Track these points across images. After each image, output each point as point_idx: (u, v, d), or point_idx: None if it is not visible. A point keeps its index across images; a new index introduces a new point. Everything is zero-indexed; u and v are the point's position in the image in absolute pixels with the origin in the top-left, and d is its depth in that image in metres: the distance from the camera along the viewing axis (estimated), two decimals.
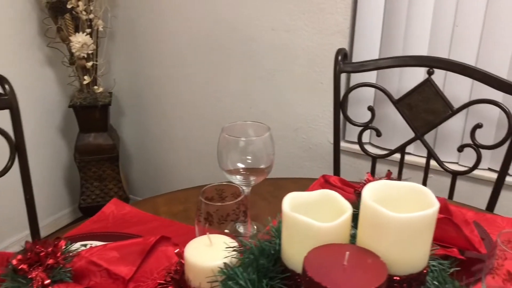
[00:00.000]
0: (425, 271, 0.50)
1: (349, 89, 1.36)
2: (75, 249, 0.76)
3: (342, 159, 1.82)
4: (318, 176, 1.78)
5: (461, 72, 1.23)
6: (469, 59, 1.44)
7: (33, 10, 2.05)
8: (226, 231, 0.87)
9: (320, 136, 1.87)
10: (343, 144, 1.79)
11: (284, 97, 1.89)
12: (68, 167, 2.39)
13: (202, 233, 0.85)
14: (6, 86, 1.13)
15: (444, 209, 0.90)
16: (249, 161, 0.90)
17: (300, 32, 1.76)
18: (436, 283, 0.52)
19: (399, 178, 1.38)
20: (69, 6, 1.91)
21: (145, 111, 2.31)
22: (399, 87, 1.55)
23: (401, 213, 0.48)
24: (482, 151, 1.23)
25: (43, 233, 1.88)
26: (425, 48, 1.52)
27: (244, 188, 0.92)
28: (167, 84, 2.18)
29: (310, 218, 0.54)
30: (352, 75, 1.67)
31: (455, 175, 1.29)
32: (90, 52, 2.04)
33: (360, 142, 1.39)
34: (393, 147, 1.38)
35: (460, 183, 1.61)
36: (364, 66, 1.33)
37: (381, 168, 1.72)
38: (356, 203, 0.54)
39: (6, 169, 1.11)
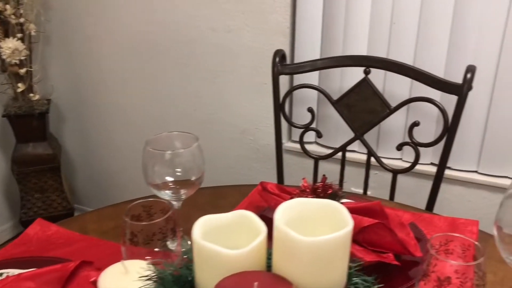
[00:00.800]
0: None
1: (288, 91, 1.33)
2: None
3: (290, 159, 1.81)
4: (267, 178, 1.76)
5: (397, 70, 1.23)
6: (407, 57, 1.45)
7: None
8: (156, 249, 0.83)
9: (267, 137, 1.84)
10: (290, 144, 1.77)
11: (228, 99, 1.85)
12: (6, 180, 2.27)
13: (129, 253, 0.81)
14: None
15: (379, 213, 0.89)
16: (179, 173, 0.86)
17: (241, 32, 1.72)
18: None
19: (340, 179, 1.38)
20: None
21: (86, 118, 2.22)
22: (341, 87, 1.54)
23: (316, 233, 0.45)
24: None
25: None
26: (365, 47, 1.51)
27: (174, 203, 0.88)
28: (107, 89, 2.10)
29: (225, 242, 0.50)
30: (295, 76, 1.65)
31: (395, 173, 1.29)
32: (22, 58, 1.93)
33: (301, 144, 1.37)
34: (337, 146, 1.37)
35: (404, 179, 1.63)
36: (302, 68, 1.31)
37: (327, 167, 1.72)
38: None
39: None
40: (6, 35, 1.88)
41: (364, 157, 1.61)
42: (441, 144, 1.22)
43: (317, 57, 1.58)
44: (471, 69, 1.14)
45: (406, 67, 1.21)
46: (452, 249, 0.74)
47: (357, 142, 1.43)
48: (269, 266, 0.50)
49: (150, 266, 0.57)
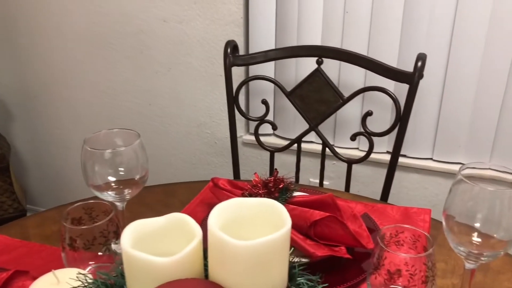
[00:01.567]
0: None
1: (241, 84, 1.30)
2: None
3: (248, 152, 1.78)
4: (226, 172, 1.73)
5: (348, 60, 1.21)
6: (360, 47, 1.44)
7: None
8: (99, 253, 0.78)
9: (225, 130, 1.81)
10: (248, 137, 1.75)
11: (183, 92, 1.81)
12: None
13: (70, 259, 0.76)
14: None
15: (331, 206, 0.87)
16: (121, 173, 0.82)
17: (193, 23, 1.68)
18: None
19: (296, 171, 1.36)
20: None
21: (35, 115, 2.12)
22: (296, 78, 1.52)
23: (254, 234, 0.43)
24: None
25: None
26: (319, 37, 1.50)
27: (118, 203, 0.84)
28: (56, 84, 2.01)
29: (160, 249, 0.47)
30: (251, 67, 1.62)
31: (350, 163, 1.28)
32: None
33: (257, 136, 1.35)
34: (295, 138, 1.35)
35: (361, 168, 1.63)
36: (254, 59, 1.28)
37: (285, 158, 1.70)
38: None
39: None
40: None
41: (321, 148, 1.61)
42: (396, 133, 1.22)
43: (272, 47, 1.56)
44: (421, 57, 1.14)
45: (358, 57, 1.20)
46: (402, 240, 0.73)
47: (314, 132, 1.41)
48: (208, 272, 0.48)
49: (83, 276, 0.53)
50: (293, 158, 1.50)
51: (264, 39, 1.57)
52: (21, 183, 2.29)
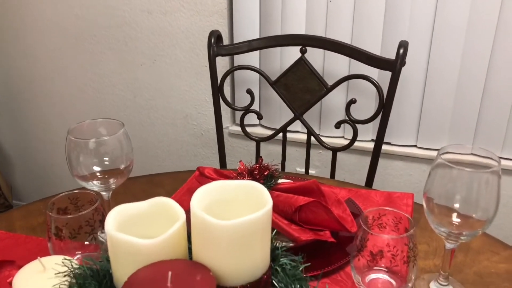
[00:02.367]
0: (265, 276, 0.46)
1: (225, 74, 1.30)
2: None
3: (234, 143, 1.79)
4: (213, 163, 1.73)
5: (331, 48, 1.22)
6: (344, 35, 1.45)
7: None
8: (86, 243, 0.79)
9: (211, 122, 1.81)
10: (234, 128, 1.75)
11: (169, 84, 1.80)
12: None
13: (57, 249, 0.77)
14: None
15: (316, 191, 0.89)
16: (106, 162, 0.82)
17: (177, 14, 1.67)
18: (282, 285, 0.48)
19: (282, 160, 1.38)
20: None
21: (21, 110, 2.10)
22: (281, 68, 1.53)
23: (237, 215, 0.43)
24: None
25: None
26: (303, 25, 1.50)
27: (103, 193, 0.84)
28: (41, 78, 1.99)
29: (144, 232, 0.48)
30: (236, 57, 1.62)
31: (335, 151, 1.29)
32: None
33: (242, 126, 1.35)
34: (280, 127, 1.36)
35: (346, 157, 1.65)
36: (238, 48, 1.28)
37: (271, 148, 1.72)
38: None
39: None
40: None
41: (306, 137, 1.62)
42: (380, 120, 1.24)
43: (257, 37, 1.56)
44: (403, 45, 1.15)
45: (341, 45, 1.21)
46: (385, 223, 0.74)
47: (300, 122, 1.42)
48: (192, 255, 0.48)
49: (68, 262, 0.53)
50: (279, 148, 1.51)
51: (248, 30, 1.57)
52: (7, 178, 2.27)
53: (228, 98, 1.43)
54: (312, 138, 1.33)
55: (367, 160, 1.64)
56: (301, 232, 0.82)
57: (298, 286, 0.48)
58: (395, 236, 0.68)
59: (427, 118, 1.51)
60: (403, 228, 0.72)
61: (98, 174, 0.82)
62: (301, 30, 1.51)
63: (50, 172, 2.21)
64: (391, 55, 1.20)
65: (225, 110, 1.68)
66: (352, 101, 1.23)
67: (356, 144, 1.59)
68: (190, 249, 0.49)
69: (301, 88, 1.25)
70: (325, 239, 0.81)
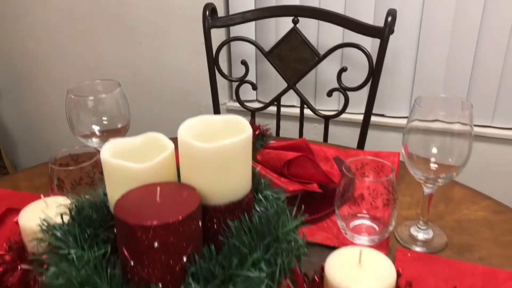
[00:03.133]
0: (247, 198, 0.51)
1: (220, 45, 1.34)
2: None
3: None
4: None
5: (323, 18, 1.26)
6: (337, 6, 1.49)
7: None
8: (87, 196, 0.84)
9: (210, 98, 1.85)
10: (232, 104, 1.79)
11: (168, 61, 1.84)
12: None
13: None
14: None
15: (305, 149, 0.93)
16: (105, 122, 0.87)
17: None
18: (263, 209, 0.52)
19: (277, 130, 1.42)
20: None
21: (22, 90, 2.15)
22: (276, 39, 1.56)
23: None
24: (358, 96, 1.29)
25: None
26: None
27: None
28: (41, 59, 2.03)
29: (136, 163, 0.52)
30: (232, 31, 1.66)
31: (327, 119, 1.34)
32: None
33: (237, 96, 1.40)
34: (276, 101, 1.40)
35: (339, 128, 1.69)
36: (233, 20, 1.32)
37: (268, 122, 1.75)
38: None
39: None
40: None
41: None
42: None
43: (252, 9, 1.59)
44: (391, 13, 1.18)
45: (332, 14, 1.25)
46: (367, 172, 0.79)
47: (298, 100, 1.46)
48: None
49: (70, 198, 0.58)
50: (273, 121, 1.55)
51: (243, 3, 1.60)
52: (12, 158, 2.33)
53: (225, 73, 1.47)
54: (306, 111, 1.36)
55: (358, 131, 1.68)
56: (289, 184, 0.86)
57: (278, 207, 0.52)
58: (375, 179, 0.73)
59: (419, 89, 1.54)
60: (384, 176, 0.76)
61: (97, 133, 0.87)
62: (295, 2, 1.54)
63: (53, 150, 2.25)
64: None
65: (222, 87, 1.72)
66: (343, 69, 1.27)
67: (350, 116, 1.63)
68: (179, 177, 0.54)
69: (294, 58, 1.29)
70: (312, 189, 0.86)
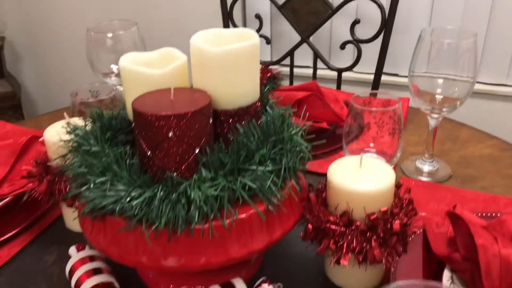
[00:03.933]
0: (256, 104, 0.54)
1: (234, 0, 1.36)
2: None
3: None
4: None
5: None
6: None
7: None
8: None
9: None
10: None
11: (183, 22, 1.87)
12: None
13: None
14: None
15: (315, 90, 0.96)
16: None
17: None
18: (270, 117, 0.55)
19: (290, 83, 1.44)
20: None
21: (43, 55, 2.20)
22: None
23: None
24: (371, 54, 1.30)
25: None
26: None
27: (120, 88, 0.93)
28: (63, 22, 2.08)
29: None
30: None
31: (340, 72, 1.36)
32: None
33: None
34: (293, 61, 1.42)
35: (353, 89, 1.70)
36: None
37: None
38: None
39: None
40: None
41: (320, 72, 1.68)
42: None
43: None
44: None
45: None
46: (375, 106, 0.81)
47: (311, 58, 1.47)
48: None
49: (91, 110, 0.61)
50: (287, 82, 1.57)
51: None
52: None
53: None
54: (320, 71, 1.38)
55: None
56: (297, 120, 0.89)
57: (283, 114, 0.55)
58: (381, 108, 0.75)
59: None
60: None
61: (115, 71, 0.91)
62: None
63: None
64: None
65: None
66: (356, 21, 1.28)
67: (362, 76, 1.65)
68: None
69: (307, 11, 1.31)
70: (322, 126, 0.89)
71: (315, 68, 1.40)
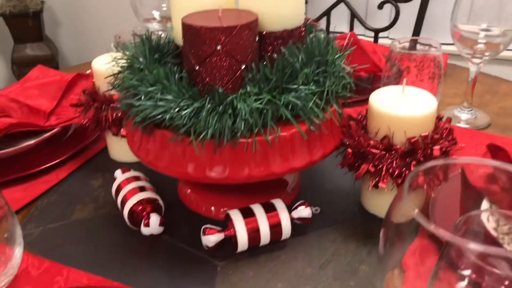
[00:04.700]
0: (299, 30, 0.55)
1: None
2: None
3: None
4: None
5: None
6: None
7: None
8: None
9: None
10: None
11: None
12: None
13: None
14: None
15: (354, 42, 0.95)
16: (164, 8, 0.92)
17: None
18: (314, 43, 0.56)
19: None
20: None
21: (80, 20, 2.25)
22: None
23: None
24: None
25: None
26: None
27: (162, 34, 0.95)
28: None
29: None
30: None
31: (377, 32, 1.34)
32: None
33: None
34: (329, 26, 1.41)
35: None
36: None
37: None
38: None
39: None
40: None
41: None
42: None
43: None
44: None
45: None
46: (414, 58, 0.81)
47: (347, 20, 1.46)
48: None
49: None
50: None
51: None
52: None
53: None
54: (356, 30, 1.37)
55: None
56: None
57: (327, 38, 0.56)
58: (422, 52, 0.75)
59: None
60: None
61: (157, 18, 0.93)
62: None
63: None
64: None
65: None
66: None
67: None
68: None
69: None
70: (360, 74, 0.89)
71: (351, 25, 1.39)
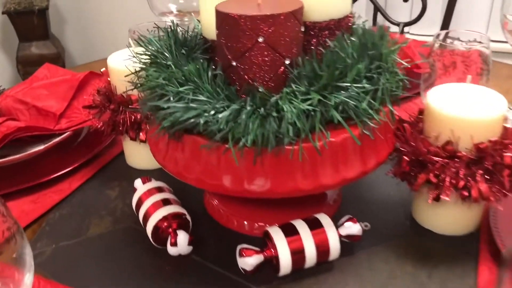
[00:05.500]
0: (347, 19, 0.48)
1: None
2: None
3: None
4: None
5: None
6: None
7: None
8: None
9: None
10: None
11: None
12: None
13: None
14: None
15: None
16: (181, 1, 0.86)
17: None
18: (360, 31, 0.49)
19: None
20: None
21: (87, 18, 2.19)
22: None
23: None
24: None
25: None
26: None
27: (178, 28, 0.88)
28: None
29: None
30: None
31: (403, 26, 1.27)
32: None
33: None
34: None
35: None
36: None
37: None
38: None
39: None
40: None
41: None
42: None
43: None
44: None
45: None
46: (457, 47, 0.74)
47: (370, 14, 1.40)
48: None
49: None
50: None
51: None
52: None
53: None
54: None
55: None
56: None
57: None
58: (470, 45, 0.68)
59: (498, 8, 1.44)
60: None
61: (174, 11, 0.86)
62: None
63: None
64: None
65: None
66: None
67: (427, 38, 1.55)
68: None
69: None
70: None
71: (374, 20, 1.32)
